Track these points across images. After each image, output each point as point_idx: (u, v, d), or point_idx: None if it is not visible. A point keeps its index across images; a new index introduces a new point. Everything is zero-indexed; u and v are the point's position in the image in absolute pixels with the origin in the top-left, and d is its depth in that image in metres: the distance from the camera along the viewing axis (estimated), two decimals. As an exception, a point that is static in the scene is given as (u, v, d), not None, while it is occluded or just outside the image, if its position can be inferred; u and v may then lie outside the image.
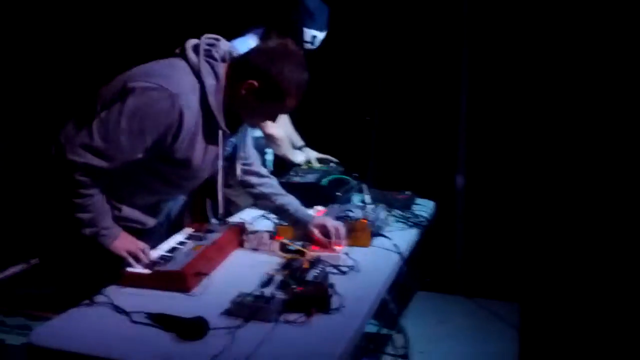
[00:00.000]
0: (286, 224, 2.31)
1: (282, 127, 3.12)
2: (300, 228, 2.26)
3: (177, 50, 2.04)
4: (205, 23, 2.42)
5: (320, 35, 2.92)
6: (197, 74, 1.95)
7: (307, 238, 2.22)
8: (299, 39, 2.83)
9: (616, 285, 3.51)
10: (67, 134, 1.92)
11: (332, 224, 2.22)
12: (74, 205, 1.89)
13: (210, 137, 2.01)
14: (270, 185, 2.33)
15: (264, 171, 2.36)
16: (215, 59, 1.99)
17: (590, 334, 3.24)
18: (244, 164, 2.25)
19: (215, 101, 1.97)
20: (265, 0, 3.06)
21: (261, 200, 2.35)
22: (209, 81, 1.96)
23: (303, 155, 3.19)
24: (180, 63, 1.98)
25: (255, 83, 1.95)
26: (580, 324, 3.33)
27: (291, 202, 2.31)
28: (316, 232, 2.20)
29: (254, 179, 2.31)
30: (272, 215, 2.45)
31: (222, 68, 2.00)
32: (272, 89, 1.96)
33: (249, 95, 1.97)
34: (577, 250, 3.67)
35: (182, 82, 1.92)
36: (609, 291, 3.50)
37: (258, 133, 3.07)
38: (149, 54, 2.08)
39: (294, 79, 1.96)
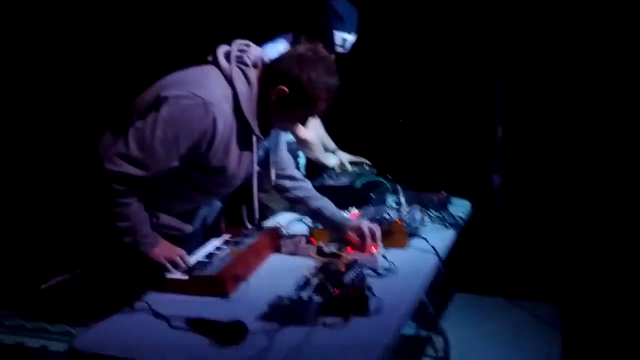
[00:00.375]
0: (322, 227, 2.31)
1: (314, 131, 3.12)
2: (336, 231, 2.26)
3: (209, 57, 2.05)
4: (234, 29, 2.43)
5: (351, 38, 2.91)
6: (229, 80, 1.97)
7: (343, 241, 2.21)
8: (330, 43, 2.83)
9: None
10: (103, 143, 1.96)
11: (368, 226, 2.20)
12: (113, 214, 1.92)
13: (244, 143, 2.03)
14: (305, 188, 2.33)
15: (298, 175, 2.36)
16: (246, 65, 2.00)
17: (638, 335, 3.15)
18: (277, 168, 2.26)
19: (248, 107, 1.98)
20: (294, 5, 3.07)
21: (296, 204, 2.35)
22: (242, 88, 1.97)
23: (336, 159, 3.19)
24: (212, 70, 2.00)
25: (286, 89, 1.96)
26: (627, 326, 3.24)
27: (327, 205, 2.30)
28: (352, 235, 2.19)
29: (288, 183, 2.31)
30: (308, 219, 2.45)
31: (254, 74, 2.01)
32: (302, 95, 1.97)
33: (279, 100, 1.98)
34: (621, 249, 3.58)
35: (215, 89, 1.94)
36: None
37: (290, 137, 3.08)
38: (181, 61, 2.11)
39: (323, 84, 1.96)
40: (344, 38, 2.88)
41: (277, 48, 2.84)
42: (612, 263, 3.59)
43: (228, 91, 1.96)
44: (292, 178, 2.32)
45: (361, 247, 2.15)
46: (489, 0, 3.76)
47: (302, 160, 3.24)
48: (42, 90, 4.02)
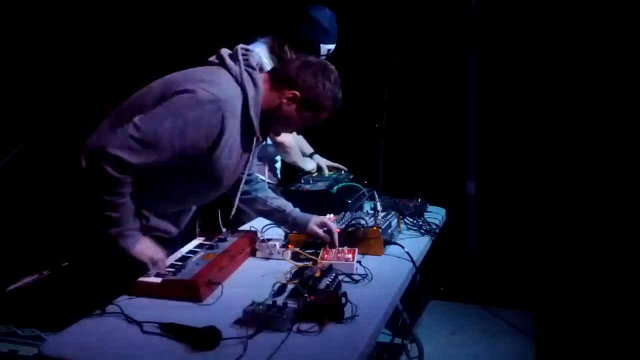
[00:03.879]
0: (284, 225, 2.33)
1: (291, 135, 3.10)
2: (299, 227, 2.28)
3: (212, 59, 2.06)
4: (211, 32, 2.41)
5: (333, 46, 2.92)
6: (238, 82, 1.98)
7: (309, 235, 2.24)
8: (316, 54, 2.84)
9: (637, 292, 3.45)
10: (101, 134, 1.95)
11: (332, 224, 2.24)
12: (104, 203, 1.89)
13: (245, 145, 2.05)
14: (263, 188, 2.36)
15: (254, 175, 2.37)
16: (253, 68, 2.03)
17: (610, 342, 3.19)
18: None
19: (254, 109, 2.00)
20: (275, 12, 3.05)
21: (256, 205, 2.35)
22: (250, 89, 1.99)
23: (313, 163, 3.18)
24: (221, 70, 2.01)
25: (298, 94, 2.01)
26: (599, 333, 3.27)
27: (286, 203, 2.33)
28: (319, 231, 2.23)
29: (247, 185, 2.31)
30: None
31: (259, 77, 2.03)
32: (313, 102, 2.04)
33: (289, 105, 2.03)
34: (593, 257, 3.62)
35: (229, 89, 1.95)
36: (629, 298, 3.44)
37: (267, 141, 3.06)
38: (162, 61, 2.09)
39: (334, 94, 2.06)
40: (329, 49, 2.89)
41: (255, 50, 2.83)
42: (585, 271, 3.63)
43: (239, 93, 1.97)
44: (251, 180, 2.33)
45: (331, 242, 2.19)
46: (464, 7, 3.80)
47: (278, 164, 3.22)
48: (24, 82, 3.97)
